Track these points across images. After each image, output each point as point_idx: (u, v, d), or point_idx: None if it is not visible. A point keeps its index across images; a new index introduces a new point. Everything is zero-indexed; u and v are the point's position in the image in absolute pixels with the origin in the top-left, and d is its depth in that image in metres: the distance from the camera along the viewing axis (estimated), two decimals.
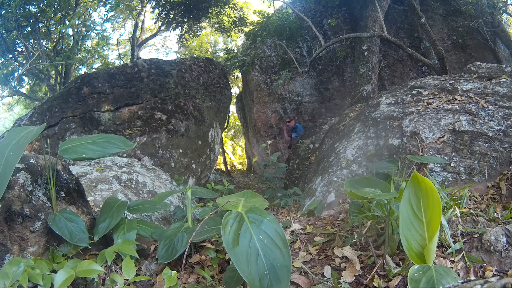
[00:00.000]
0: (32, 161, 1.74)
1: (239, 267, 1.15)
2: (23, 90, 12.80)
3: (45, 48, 9.88)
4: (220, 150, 10.27)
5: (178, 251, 1.81)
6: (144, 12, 12.70)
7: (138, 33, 12.89)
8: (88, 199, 2.16)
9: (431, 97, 3.52)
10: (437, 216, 1.31)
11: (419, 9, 6.18)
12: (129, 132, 5.12)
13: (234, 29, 11.32)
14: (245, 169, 13.86)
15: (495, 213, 1.99)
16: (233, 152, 18.85)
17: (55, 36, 10.26)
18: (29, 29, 9.16)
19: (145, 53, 17.69)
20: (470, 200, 2.22)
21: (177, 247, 1.83)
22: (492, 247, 1.56)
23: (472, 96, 3.20)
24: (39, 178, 1.71)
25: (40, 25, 9.43)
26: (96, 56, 13.00)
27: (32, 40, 9.65)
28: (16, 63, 10.28)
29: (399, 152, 3.05)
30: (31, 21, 8.88)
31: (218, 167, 12.73)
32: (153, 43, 16.98)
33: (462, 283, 0.88)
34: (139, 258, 1.86)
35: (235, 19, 10.95)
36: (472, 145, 2.67)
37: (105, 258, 1.59)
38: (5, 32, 8.70)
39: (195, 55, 13.75)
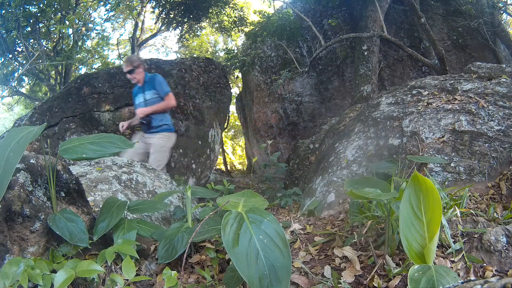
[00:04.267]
0: (32, 161, 1.74)
1: (239, 267, 1.15)
2: (23, 90, 12.80)
3: (45, 48, 9.88)
4: (220, 150, 10.27)
5: (178, 251, 1.81)
6: (144, 12, 12.70)
7: (138, 33, 12.89)
8: (88, 199, 2.16)
9: (431, 97, 3.52)
10: (438, 216, 1.31)
11: (419, 9, 6.18)
12: (129, 132, 5.12)
13: (234, 29, 11.32)
14: (245, 169, 13.86)
15: (495, 213, 1.99)
16: (233, 152, 18.86)
17: (55, 36, 10.26)
18: (29, 29, 9.16)
19: (145, 53, 17.74)
20: (470, 200, 2.22)
21: (177, 247, 1.83)
22: (492, 247, 1.56)
23: (472, 96, 3.20)
24: (39, 178, 1.71)
25: (40, 25, 9.43)
26: (96, 56, 13.00)
27: (32, 40, 9.65)
28: (16, 63, 10.28)
29: (399, 152, 3.05)
30: (31, 21, 8.88)
31: (218, 167, 12.73)
32: (153, 43, 17.00)
33: (462, 283, 0.88)
34: (139, 258, 1.86)
35: (235, 19, 10.94)
36: (472, 145, 2.67)
37: (105, 258, 1.59)
38: (5, 32, 8.70)
39: (195, 55, 13.74)
